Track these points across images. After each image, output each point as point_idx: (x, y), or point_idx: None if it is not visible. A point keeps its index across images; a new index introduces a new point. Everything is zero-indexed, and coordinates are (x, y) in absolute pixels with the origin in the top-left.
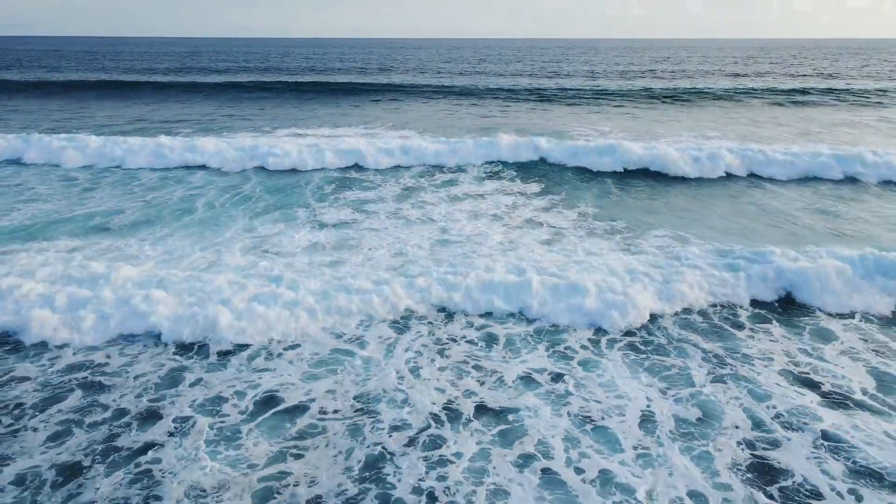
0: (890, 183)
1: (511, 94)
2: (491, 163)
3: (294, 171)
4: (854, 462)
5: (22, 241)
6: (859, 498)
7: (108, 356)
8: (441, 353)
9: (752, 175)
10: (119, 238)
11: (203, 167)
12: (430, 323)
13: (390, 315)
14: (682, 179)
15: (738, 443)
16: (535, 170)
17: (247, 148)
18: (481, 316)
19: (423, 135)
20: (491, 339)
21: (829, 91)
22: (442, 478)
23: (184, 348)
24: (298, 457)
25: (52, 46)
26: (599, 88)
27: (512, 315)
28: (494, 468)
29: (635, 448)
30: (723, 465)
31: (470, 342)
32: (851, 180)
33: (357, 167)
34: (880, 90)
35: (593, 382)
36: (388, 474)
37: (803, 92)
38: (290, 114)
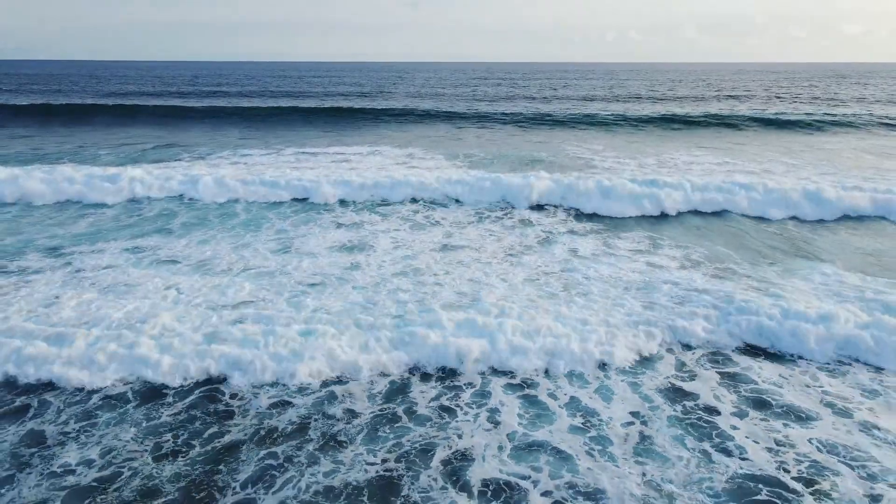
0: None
1: (512, 116)
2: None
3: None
4: (747, 392)
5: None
6: (744, 414)
7: None
8: None
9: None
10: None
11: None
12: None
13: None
14: None
15: (665, 377)
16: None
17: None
18: None
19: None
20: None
21: (824, 115)
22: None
23: None
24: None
25: (56, 70)
26: (595, 111)
27: None
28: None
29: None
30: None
31: None
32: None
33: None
34: (864, 114)
35: None
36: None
37: (795, 115)
38: (304, 140)
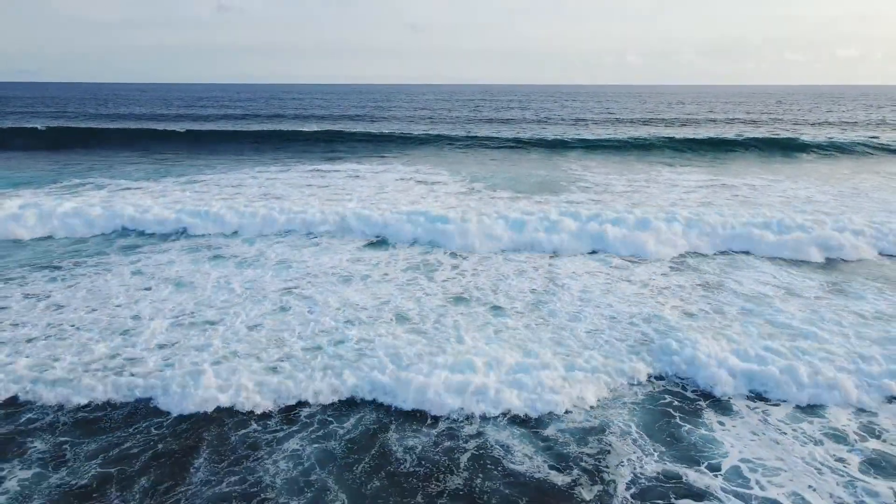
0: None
1: (513, 136)
2: None
3: None
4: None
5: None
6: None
7: None
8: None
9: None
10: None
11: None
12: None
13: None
14: None
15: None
16: None
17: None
18: None
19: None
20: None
21: (812, 137)
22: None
23: None
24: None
25: (59, 93)
26: (592, 131)
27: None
28: None
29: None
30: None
31: None
32: None
33: None
34: (852, 135)
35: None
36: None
37: (782, 136)
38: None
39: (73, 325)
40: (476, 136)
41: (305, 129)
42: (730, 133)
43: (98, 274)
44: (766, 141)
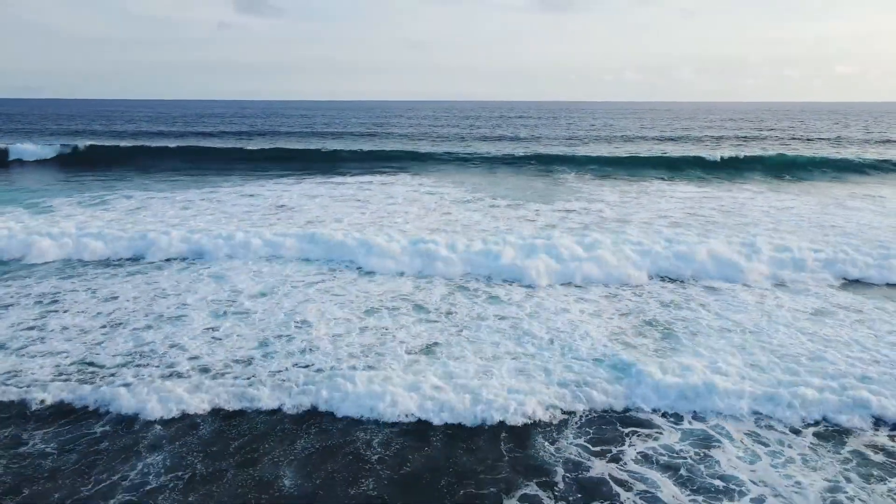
0: None
1: (513, 152)
2: None
3: None
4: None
5: None
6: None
7: None
8: None
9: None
10: None
11: None
12: None
13: None
14: None
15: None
16: None
17: None
18: None
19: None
20: None
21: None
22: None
23: None
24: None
25: (63, 109)
26: (591, 147)
27: None
28: None
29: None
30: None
31: None
32: None
33: None
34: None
35: None
36: None
37: (771, 152)
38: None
39: (126, 316)
40: (476, 151)
41: (308, 146)
42: (725, 148)
43: (150, 273)
44: (762, 158)
